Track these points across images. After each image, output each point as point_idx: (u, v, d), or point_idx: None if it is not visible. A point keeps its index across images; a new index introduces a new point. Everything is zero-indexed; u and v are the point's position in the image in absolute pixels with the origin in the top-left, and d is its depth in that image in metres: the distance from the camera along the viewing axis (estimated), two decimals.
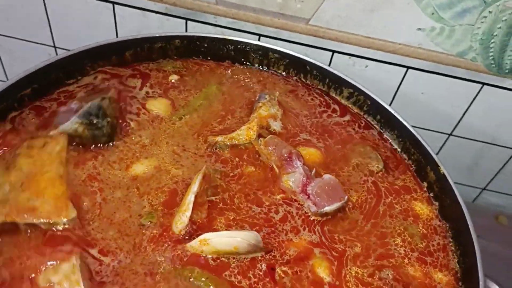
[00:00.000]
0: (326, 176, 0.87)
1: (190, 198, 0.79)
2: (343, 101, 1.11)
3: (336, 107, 1.09)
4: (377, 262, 0.82)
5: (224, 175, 0.88)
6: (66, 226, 0.74)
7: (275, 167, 0.90)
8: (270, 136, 0.94)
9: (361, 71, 1.21)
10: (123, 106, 0.95)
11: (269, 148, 0.91)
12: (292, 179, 0.86)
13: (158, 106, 0.99)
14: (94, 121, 0.83)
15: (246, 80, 1.11)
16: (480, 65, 1.13)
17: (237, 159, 0.92)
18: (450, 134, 1.32)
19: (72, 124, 0.83)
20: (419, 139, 0.99)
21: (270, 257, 0.78)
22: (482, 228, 0.91)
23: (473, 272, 0.82)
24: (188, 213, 0.78)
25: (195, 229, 0.78)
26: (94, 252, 0.74)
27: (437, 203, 0.95)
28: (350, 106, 1.10)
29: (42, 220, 0.73)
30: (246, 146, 0.94)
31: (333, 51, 1.19)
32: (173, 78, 1.07)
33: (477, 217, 0.89)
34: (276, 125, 0.99)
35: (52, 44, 1.33)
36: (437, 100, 1.24)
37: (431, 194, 0.97)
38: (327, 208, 0.83)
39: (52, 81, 0.97)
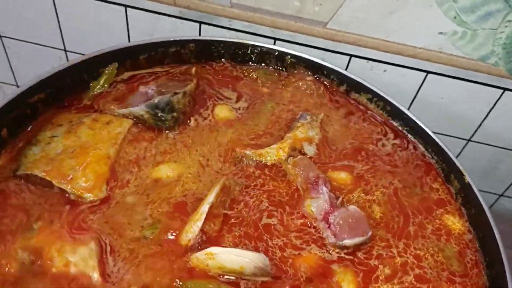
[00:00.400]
0: (352, 207, 0.82)
1: (204, 208, 0.77)
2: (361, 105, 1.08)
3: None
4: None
5: (244, 189, 0.85)
6: (90, 204, 0.78)
7: (300, 189, 0.86)
8: (300, 156, 0.90)
9: (379, 75, 1.19)
10: (198, 101, 0.97)
11: (297, 169, 0.88)
12: (315, 205, 0.82)
13: (223, 112, 0.98)
14: (159, 114, 0.89)
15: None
16: (502, 70, 1.10)
17: (261, 175, 0.89)
18: (469, 140, 1.29)
19: (140, 110, 0.89)
20: (442, 146, 0.96)
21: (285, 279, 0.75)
22: (500, 235, 0.88)
23: (500, 282, 0.80)
24: (200, 223, 0.75)
25: (204, 241, 0.76)
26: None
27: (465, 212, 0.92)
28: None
29: (73, 191, 0.78)
30: (274, 163, 0.90)
31: (351, 55, 1.17)
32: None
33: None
34: (309, 150, 0.94)
35: (62, 48, 1.31)
36: (456, 105, 1.21)
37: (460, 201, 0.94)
38: (347, 241, 0.78)
39: (67, 86, 0.95)
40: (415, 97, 1.21)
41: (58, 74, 0.92)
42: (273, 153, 0.91)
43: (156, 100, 0.89)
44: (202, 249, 0.74)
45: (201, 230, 0.76)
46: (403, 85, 1.18)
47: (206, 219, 0.76)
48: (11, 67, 1.41)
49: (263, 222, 0.81)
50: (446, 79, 1.16)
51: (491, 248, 0.84)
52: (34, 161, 0.80)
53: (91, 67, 0.98)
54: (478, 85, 1.15)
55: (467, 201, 0.92)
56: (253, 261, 0.72)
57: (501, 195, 1.43)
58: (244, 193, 0.85)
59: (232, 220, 0.81)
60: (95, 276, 0.70)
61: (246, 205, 0.83)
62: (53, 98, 0.93)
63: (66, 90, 0.95)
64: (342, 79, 1.08)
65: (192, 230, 0.76)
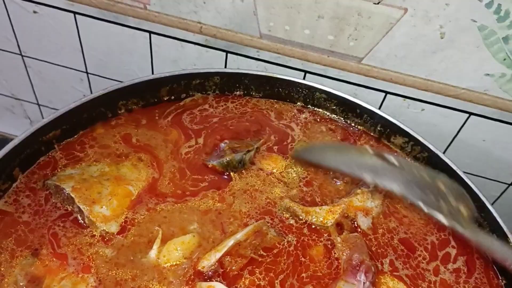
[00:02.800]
0: None
1: (228, 242, 0.75)
2: (396, 149, 1.00)
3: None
4: None
5: (281, 242, 0.79)
6: (99, 235, 0.76)
7: (341, 267, 0.78)
8: (355, 234, 0.82)
9: (416, 114, 1.10)
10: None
11: (345, 244, 0.80)
12: None
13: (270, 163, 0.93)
14: (231, 167, 0.89)
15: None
16: None
17: (306, 234, 0.82)
18: (510, 184, 1.20)
19: (213, 163, 0.89)
20: (486, 203, 0.87)
21: None
22: None
23: None
24: (219, 255, 0.73)
25: (219, 274, 0.73)
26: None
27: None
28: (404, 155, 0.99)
29: (90, 216, 0.76)
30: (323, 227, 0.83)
31: (386, 92, 1.09)
32: None
33: None
34: (363, 222, 0.85)
35: (84, 70, 1.26)
36: (498, 148, 1.12)
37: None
38: None
39: (84, 121, 0.91)
40: (454, 138, 1.12)
41: (76, 110, 0.87)
42: (321, 214, 0.83)
43: (229, 158, 0.88)
44: (211, 280, 0.71)
45: (219, 262, 0.73)
46: (442, 125, 1.10)
47: (230, 254, 0.74)
48: (32, 86, 1.37)
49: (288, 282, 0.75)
50: (490, 122, 1.07)
51: None
52: (68, 176, 0.80)
53: (109, 101, 0.93)
54: None
55: None
56: None
57: None
58: (279, 245, 0.79)
59: (256, 267, 0.75)
60: None
61: (278, 261, 0.77)
62: (68, 133, 0.89)
63: (83, 124, 0.91)
64: (375, 118, 1.00)
65: (209, 258, 0.74)
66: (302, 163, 0.82)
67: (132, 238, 0.77)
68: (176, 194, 0.84)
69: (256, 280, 0.74)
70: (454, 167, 0.92)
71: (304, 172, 0.92)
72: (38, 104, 1.43)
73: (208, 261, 0.73)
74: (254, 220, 0.83)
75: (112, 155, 0.88)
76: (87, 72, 1.27)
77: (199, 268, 0.73)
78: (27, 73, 1.33)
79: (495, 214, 0.85)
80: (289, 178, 0.91)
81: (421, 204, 0.73)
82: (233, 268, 0.74)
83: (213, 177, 0.88)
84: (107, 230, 0.76)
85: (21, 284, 0.69)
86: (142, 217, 0.80)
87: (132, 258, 0.74)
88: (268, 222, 0.82)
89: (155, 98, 0.99)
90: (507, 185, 1.20)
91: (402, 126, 0.97)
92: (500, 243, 0.76)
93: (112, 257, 0.74)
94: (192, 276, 0.73)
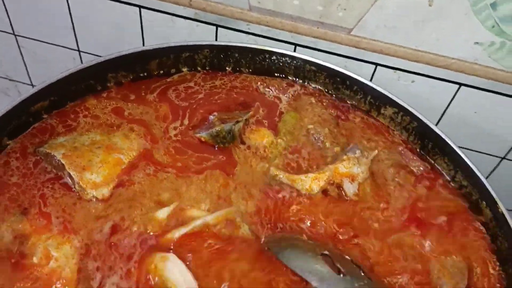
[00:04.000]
0: None
1: (196, 221, 0.75)
2: (384, 121, 1.00)
3: None
4: None
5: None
6: (89, 199, 0.77)
7: None
8: None
9: (406, 86, 1.10)
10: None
11: None
12: None
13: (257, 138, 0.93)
14: (220, 138, 0.89)
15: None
16: None
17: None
18: (503, 158, 1.19)
19: (202, 135, 0.90)
20: (476, 171, 0.87)
21: None
22: None
23: None
24: (184, 230, 0.74)
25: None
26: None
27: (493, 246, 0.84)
28: (392, 127, 0.99)
29: (80, 182, 0.77)
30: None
31: (376, 64, 1.08)
32: None
33: None
34: (349, 188, 0.85)
35: (76, 48, 1.27)
36: (490, 121, 1.12)
37: (487, 234, 0.85)
38: None
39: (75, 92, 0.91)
40: (445, 111, 1.12)
41: (62, 81, 0.87)
42: (307, 182, 0.84)
43: (218, 128, 0.89)
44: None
45: (182, 238, 0.73)
46: (433, 97, 1.09)
47: (196, 235, 0.74)
48: (26, 67, 1.38)
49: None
50: (481, 93, 1.06)
51: None
52: (60, 144, 0.81)
53: (98, 73, 0.93)
54: None
55: (501, 233, 0.83)
56: (185, 286, 0.68)
57: None
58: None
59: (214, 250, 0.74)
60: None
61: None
62: (56, 105, 0.89)
63: (72, 97, 0.92)
64: (365, 90, 1.00)
65: (173, 232, 0.74)
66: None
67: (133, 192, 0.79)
68: (177, 167, 0.84)
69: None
70: (447, 139, 0.92)
71: (291, 142, 0.93)
72: (32, 85, 1.43)
73: (172, 234, 0.74)
74: (256, 190, 0.83)
75: (104, 126, 0.88)
76: (79, 51, 1.27)
77: (163, 240, 0.74)
78: (21, 53, 1.34)
79: (490, 189, 0.85)
80: (277, 149, 0.92)
81: None
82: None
83: (209, 154, 0.88)
84: (97, 196, 0.77)
85: (6, 240, 0.70)
86: (139, 180, 0.81)
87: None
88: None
89: (144, 71, 0.99)
90: (500, 159, 1.20)
91: (392, 96, 0.97)
92: None
93: (102, 215, 0.76)
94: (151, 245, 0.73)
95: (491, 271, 0.81)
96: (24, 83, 1.44)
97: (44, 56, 1.31)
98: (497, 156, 1.19)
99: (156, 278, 0.69)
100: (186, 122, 0.92)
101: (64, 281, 0.68)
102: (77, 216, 0.75)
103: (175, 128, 0.91)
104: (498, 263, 0.82)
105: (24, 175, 0.79)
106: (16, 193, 0.76)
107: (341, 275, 0.74)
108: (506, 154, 1.18)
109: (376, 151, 0.92)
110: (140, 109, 0.93)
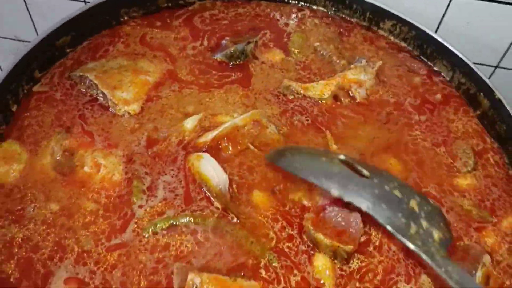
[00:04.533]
0: (354, 214, 0.73)
1: (226, 124, 0.81)
2: (384, 33, 1.07)
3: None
4: None
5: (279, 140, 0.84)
6: (122, 114, 0.84)
7: None
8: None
9: (399, 1, 1.15)
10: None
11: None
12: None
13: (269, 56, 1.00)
14: (234, 58, 0.96)
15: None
16: None
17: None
18: (496, 67, 1.26)
19: (218, 56, 0.97)
20: (470, 64, 0.95)
21: None
22: None
23: None
24: (215, 133, 0.80)
25: (213, 151, 0.79)
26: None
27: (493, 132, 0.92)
28: (392, 38, 1.06)
29: (113, 99, 0.84)
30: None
31: None
32: None
33: None
34: (359, 92, 0.92)
35: None
36: (482, 31, 1.18)
37: (485, 121, 0.93)
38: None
39: (92, 27, 0.98)
40: (440, 23, 1.18)
41: (81, 16, 0.93)
42: (319, 88, 0.91)
43: (232, 49, 0.96)
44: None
45: (215, 140, 0.80)
46: (427, 10, 1.15)
47: (228, 138, 0.81)
48: (34, 25, 1.42)
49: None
50: (473, 2, 1.12)
51: None
52: (90, 68, 0.89)
53: (112, 9, 0.99)
54: (505, 5, 1.11)
55: (499, 118, 0.91)
56: (217, 178, 0.75)
57: None
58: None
59: (247, 157, 0.81)
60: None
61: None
62: (78, 40, 0.95)
63: (90, 32, 0.98)
64: (364, 7, 1.06)
65: (207, 135, 0.81)
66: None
67: (161, 105, 0.87)
68: (199, 84, 0.92)
69: (240, 166, 0.80)
70: (445, 43, 0.99)
71: (301, 59, 0.99)
72: None
73: (205, 138, 0.81)
74: (272, 96, 0.91)
75: (130, 54, 0.95)
76: (85, 1, 1.32)
77: (198, 142, 0.81)
78: (28, 11, 1.38)
79: (486, 80, 0.93)
80: (288, 66, 0.98)
81: (388, 227, 0.67)
82: (228, 152, 0.81)
83: (226, 72, 0.95)
84: (129, 111, 0.84)
85: (58, 153, 0.77)
86: (166, 95, 0.88)
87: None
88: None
89: (154, 5, 1.05)
90: (494, 67, 1.26)
91: (388, 9, 1.04)
92: (468, 276, 0.67)
93: (136, 128, 0.83)
94: (190, 149, 0.81)
95: (492, 152, 0.89)
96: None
97: (52, 11, 1.35)
98: (491, 66, 1.26)
99: (197, 175, 0.76)
100: (205, 43, 0.99)
101: (116, 184, 0.76)
102: (114, 132, 0.82)
103: (193, 48, 0.98)
104: (497, 145, 0.90)
105: (65, 94, 0.86)
106: (60, 111, 0.83)
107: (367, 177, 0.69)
108: (499, 62, 1.25)
109: (381, 62, 0.99)
110: (162, 34, 1.00)
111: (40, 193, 0.73)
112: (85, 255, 0.68)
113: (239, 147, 0.82)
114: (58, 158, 0.77)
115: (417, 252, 0.66)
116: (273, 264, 0.69)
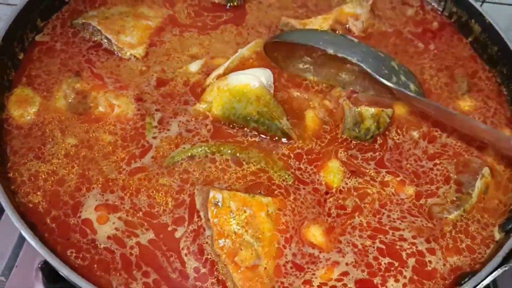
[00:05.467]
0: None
1: (235, 55, 0.85)
2: None
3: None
4: None
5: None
6: (128, 57, 0.86)
7: None
8: None
9: None
10: None
11: None
12: None
13: None
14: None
15: None
16: None
17: None
18: (483, 1, 1.29)
19: None
20: None
21: None
22: None
23: None
24: (226, 64, 0.83)
25: None
26: None
27: (485, 56, 0.96)
28: None
29: (117, 43, 0.86)
30: None
31: None
32: None
33: None
34: (356, 24, 0.95)
35: None
36: None
37: (476, 46, 0.97)
38: None
39: None
40: None
41: None
42: (317, 23, 0.94)
43: None
44: None
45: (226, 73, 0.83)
46: None
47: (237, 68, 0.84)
48: None
49: None
50: None
51: None
52: (92, 16, 0.90)
53: None
54: None
55: (491, 40, 0.94)
56: (257, 76, 0.78)
57: None
58: None
59: None
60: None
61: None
62: None
63: None
64: None
65: (220, 67, 0.84)
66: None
67: (165, 49, 0.89)
68: (198, 26, 0.94)
69: None
70: None
71: None
72: None
73: (217, 70, 0.84)
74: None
75: (128, 0, 0.96)
76: None
77: (208, 81, 0.84)
78: None
79: (476, 6, 0.97)
80: (286, 4, 1.00)
81: (374, 74, 0.80)
82: None
83: (221, 13, 0.97)
84: (134, 54, 0.86)
85: (71, 96, 0.80)
86: (169, 40, 0.90)
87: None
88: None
89: None
90: (481, 2, 1.30)
91: None
92: (442, 107, 0.81)
93: (144, 70, 0.85)
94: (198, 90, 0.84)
95: (483, 72, 0.94)
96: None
97: None
98: (478, 0, 1.30)
99: (226, 95, 0.78)
100: None
101: (130, 119, 0.79)
102: (123, 75, 0.84)
103: None
104: (489, 67, 0.95)
105: (66, 43, 0.87)
106: (64, 59, 0.85)
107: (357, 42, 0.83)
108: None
109: None
110: None
111: (57, 130, 0.76)
112: (111, 183, 0.71)
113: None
114: (70, 100, 0.79)
115: (400, 89, 0.80)
116: (289, 183, 0.73)
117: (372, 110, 0.78)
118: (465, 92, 0.91)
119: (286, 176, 0.74)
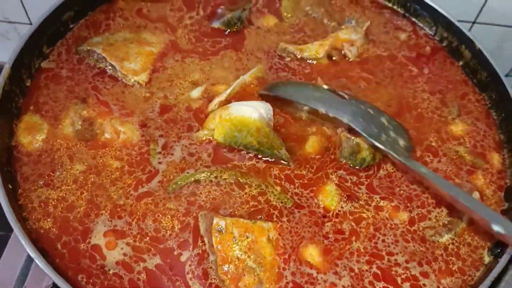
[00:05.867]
0: None
1: (237, 81, 0.89)
2: None
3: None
4: None
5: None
6: (132, 84, 0.89)
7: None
8: None
9: None
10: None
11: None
12: None
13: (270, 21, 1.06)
14: (232, 24, 1.02)
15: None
16: None
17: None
18: (474, 22, 1.34)
19: (216, 24, 1.03)
20: (450, 18, 1.02)
21: None
22: None
23: None
24: (229, 91, 0.87)
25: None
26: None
27: (475, 80, 1.00)
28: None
29: (122, 70, 0.89)
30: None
31: None
32: None
33: None
34: (350, 50, 0.99)
35: None
36: None
37: (467, 70, 1.01)
38: None
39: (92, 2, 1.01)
40: None
41: None
42: (313, 48, 0.98)
43: (229, 16, 1.01)
44: None
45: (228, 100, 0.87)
46: None
47: (239, 94, 0.88)
48: (23, 5, 1.43)
49: None
50: None
51: (507, 105, 0.93)
52: (96, 42, 0.93)
53: None
54: None
55: (480, 65, 0.99)
56: (257, 109, 0.82)
57: (507, 75, 1.50)
58: None
59: None
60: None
61: None
62: (80, 14, 0.99)
63: (90, 7, 1.01)
64: None
65: (222, 94, 0.88)
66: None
67: (167, 75, 0.93)
68: (198, 52, 0.97)
69: None
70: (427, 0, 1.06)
71: (295, 20, 1.05)
72: (31, 23, 1.49)
73: (220, 97, 0.88)
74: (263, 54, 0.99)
75: (132, 26, 0.99)
76: None
77: (210, 108, 0.87)
78: None
79: (466, 33, 1.01)
80: (283, 29, 1.04)
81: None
82: None
83: (222, 37, 1.01)
84: (138, 81, 0.89)
85: (78, 123, 0.83)
86: (171, 66, 0.94)
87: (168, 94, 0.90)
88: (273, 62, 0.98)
89: None
90: (471, 23, 1.34)
91: None
92: (431, 172, 0.80)
93: (148, 97, 0.88)
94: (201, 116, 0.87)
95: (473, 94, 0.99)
96: (23, 23, 1.49)
97: None
98: (468, 21, 1.34)
99: (227, 125, 0.81)
100: (201, 12, 1.04)
101: (135, 145, 0.82)
102: (128, 101, 0.87)
103: (190, 18, 1.03)
104: (479, 91, 0.99)
105: (72, 70, 0.90)
106: (71, 85, 0.88)
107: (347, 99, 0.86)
108: (476, 18, 1.33)
109: (369, 22, 1.06)
110: (157, 6, 1.04)
111: (65, 157, 0.79)
112: (119, 208, 0.74)
113: None
114: (78, 127, 0.82)
115: (386, 151, 0.82)
116: (288, 206, 0.77)
117: (367, 145, 0.82)
118: (456, 116, 0.95)
119: (286, 200, 0.77)
